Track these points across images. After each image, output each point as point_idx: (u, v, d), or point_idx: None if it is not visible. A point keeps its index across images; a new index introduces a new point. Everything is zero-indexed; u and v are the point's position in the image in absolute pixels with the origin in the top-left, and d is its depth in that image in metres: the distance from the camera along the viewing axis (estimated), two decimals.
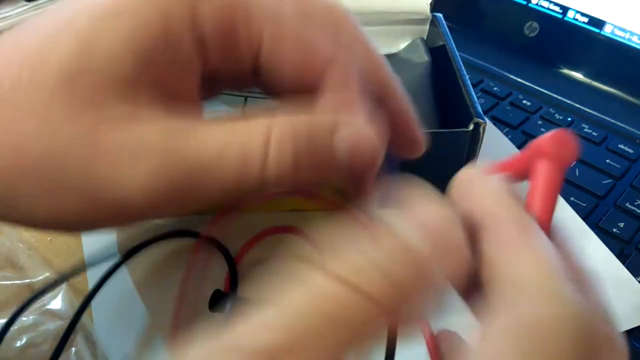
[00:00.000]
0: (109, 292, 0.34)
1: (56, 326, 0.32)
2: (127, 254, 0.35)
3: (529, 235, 0.17)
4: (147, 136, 0.18)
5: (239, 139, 0.18)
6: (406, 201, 0.17)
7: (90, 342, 0.32)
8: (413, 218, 0.16)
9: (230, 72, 0.21)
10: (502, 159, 0.20)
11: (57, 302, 0.33)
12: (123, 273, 0.35)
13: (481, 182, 0.19)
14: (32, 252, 0.36)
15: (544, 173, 0.18)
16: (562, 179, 0.18)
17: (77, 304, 0.33)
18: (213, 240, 0.36)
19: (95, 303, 0.33)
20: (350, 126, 0.19)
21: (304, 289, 0.14)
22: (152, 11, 0.18)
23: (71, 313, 0.32)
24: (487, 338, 0.15)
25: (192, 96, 0.20)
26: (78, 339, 0.31)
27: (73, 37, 0.18)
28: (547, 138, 0.18)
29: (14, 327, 0.31)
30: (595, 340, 0.15)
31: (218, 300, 0.32)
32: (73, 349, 0.31)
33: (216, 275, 0.35)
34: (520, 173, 0.19)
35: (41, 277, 0.34)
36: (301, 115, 0.19)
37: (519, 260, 0.16)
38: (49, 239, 0.37)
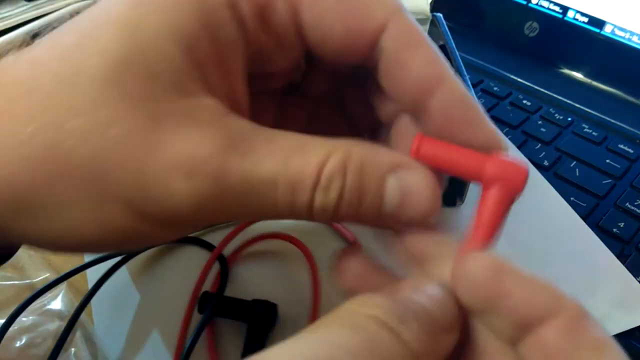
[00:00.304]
0: (109, 293, 0.34)
1: (56, 326, 0.32)
2: (128, 255, 0.35)
3: (593, 327, 0.16)
4: (203, 151, 0.17)
5: (294, 165, 0.17)
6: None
7: (90, 342, 0.32)
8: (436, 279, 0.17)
9: (276, 56, 0.20)
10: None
11: (57, 302, 0.33)
12: (123, 274, 0.35)
13: (510, 277, 0.17)
14: (32, 252, 0.36)
15: (493, 202, 0.18)
16: (510, 206, 0.19)
17: (77, 304, 0.33)
18: (206, 243, 0.36)
19: (95, 302, 0.33)
20: (409, 172, 0.18)
21: (353, 328, 0.15)
22: None
23: (71, 313, 0.32)
24: None
25: (240, 88, 0.19)
26: (77, 339, 0.31)
27: (113, 26, 0.17)
28: (499, 165, 0.18)
29: (14, 327, 0.31)
30: None
31: (207, 302, 0.32)
32: (72, 349, 0.31)
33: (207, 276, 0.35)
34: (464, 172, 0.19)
35: (41, 278, 0.34)
36: (361, 146, 0.18)
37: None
38: None
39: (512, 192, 0.18)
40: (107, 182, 0.16)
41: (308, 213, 0.18)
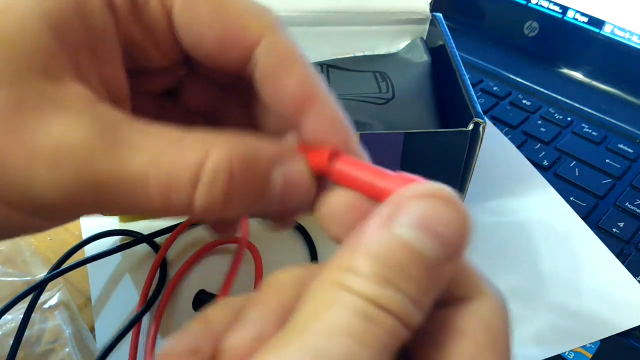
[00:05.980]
0: (110, 292, 0.34)
1: (53, 325, 0.32)
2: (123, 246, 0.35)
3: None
4: (69, 142, 0.16)
5: (167, 161, 0.16)
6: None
7: (82, 344, 0.32)
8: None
9: (151, 52, 0.20)
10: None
11: (54, 300, 0.33)
12: (124, 275, 0.35)
13: None
14: (33, 250, 0.36)
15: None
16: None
17: (75, 303, 0.33)
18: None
19: (95, 298, 0.33)
20: (291, 164, 0.18)
21: (344, 309, 0.14)
22: None
23: (69, 312, 0.32)
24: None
25: (117, 76, 0.19)
26: (68, 341, 0.31)
27: None
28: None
29: (11, 325, 0.31)
30: None
31: (202, 300, 0.32)
32: (67, 349, 0.31)
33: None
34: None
35: (41, 275, 0.34)
36: (243, 140, 0.17)
37: None
38: (49, 238, 0.37)
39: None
40: None
41: (188, 212, 0.17)
